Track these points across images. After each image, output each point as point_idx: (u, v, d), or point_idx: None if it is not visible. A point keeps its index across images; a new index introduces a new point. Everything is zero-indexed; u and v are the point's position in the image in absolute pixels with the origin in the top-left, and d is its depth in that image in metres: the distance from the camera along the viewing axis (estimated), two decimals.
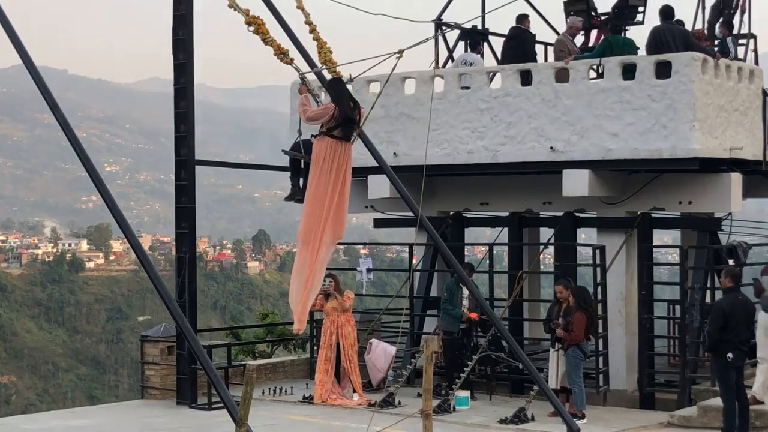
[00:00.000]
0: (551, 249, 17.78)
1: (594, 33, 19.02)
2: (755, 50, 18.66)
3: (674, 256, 19.10)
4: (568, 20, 18.00)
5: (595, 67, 16.07)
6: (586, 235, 19.83)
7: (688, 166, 15.26)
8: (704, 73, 15.18)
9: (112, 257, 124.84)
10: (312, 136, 11.68)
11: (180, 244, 15.79)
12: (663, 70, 15.22)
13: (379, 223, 19.90)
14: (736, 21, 18.13)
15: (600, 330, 15.52)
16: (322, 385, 15.62)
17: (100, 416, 15.54)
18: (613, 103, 15.54)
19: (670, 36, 15.61)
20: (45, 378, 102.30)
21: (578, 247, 17.98)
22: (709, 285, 15.80)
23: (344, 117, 11.26)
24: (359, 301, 18.80)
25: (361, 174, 16.46)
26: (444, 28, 19.07)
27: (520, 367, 14.34)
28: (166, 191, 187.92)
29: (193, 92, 15.71)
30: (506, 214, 18.40)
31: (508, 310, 17.19)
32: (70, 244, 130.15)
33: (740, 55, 17.87)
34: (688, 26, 17.73)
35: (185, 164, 15.65)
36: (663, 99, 15.12)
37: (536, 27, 18.68)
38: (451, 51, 19.40)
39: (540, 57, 18.97)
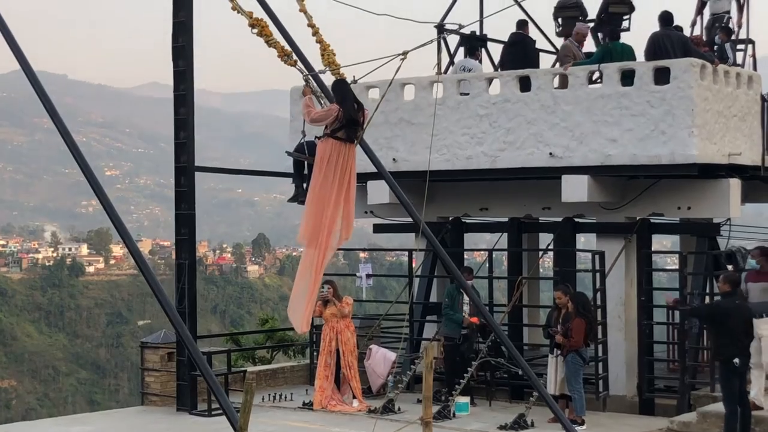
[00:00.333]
0: (551, 254, 17.80)
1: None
2: (753, 55, 18.72)
3: (674, 259, 19.10)
4: (576, 26, 18.03)
5: (588, 73, 16.11)
6: (585, 239, 19.82)
7: (686, 172, 15.28)
8: (703, 78, 15.20)
9: (112, 261, 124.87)
10: (316, 137, 11.67)
11: (180, 251, 15.80)
12: (662, 76, 15.25)
13: (378, 229, 19.94)
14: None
15: (599, 335, 15.52)
16: (322, 392, 15.62)
17: (100, 422, 15.54)
18: (612, 109, 15.56)
19: (669, 42, 15.64)
20: (45, 382, 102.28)
21: (578, 253, 18.00)
22: (708, 290, 15.81)
23: (348, 118, 11.26)
24: (359, 306, 18.81)
25: (360, 179, 16.40)
26: (446, 32, 19.09)
27: (520, 373, 14.34)
28: (165, 195, 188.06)
29: (193, 99, 15.72)
30: (505, 219, 18.42)
31: (507, 315, 17.20)
32: (70, 249, 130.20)
33: (739, 61, 17.92)
34: (686, 31, 17.79)
35: (185, 171, 15.66)
36: (662, 105, 15.15)
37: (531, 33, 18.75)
38: (452, 56, 19.44)
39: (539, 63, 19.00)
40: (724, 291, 12.84)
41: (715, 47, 17.53)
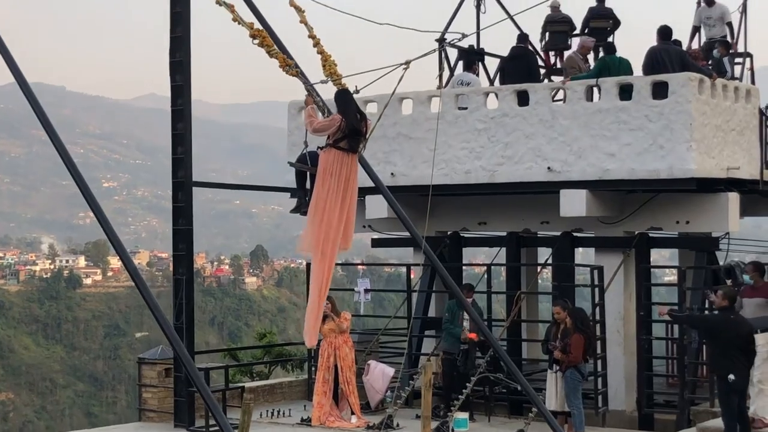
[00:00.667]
0: (549, 267, 17.77)
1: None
2: (752, 69, 18.71)
3: (672, 272, 19.06)
4: (580, 39, 18.05)
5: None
6: (583, 252, 19.79)
7: (685, 187, 15.27)
8: (701, 93, 15.20)
9: (109, 273, 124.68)
10: (318, 148, 11.62)
11: (177, 266, 15.73)
12: (660, 91, 15.25)
13: (376, 243, 19.89)
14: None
15: (598, 350, 15.48)
16: (321, 408, 15.56)
17: None
18: (610, 123, 15.55)
19: (667, 56, 15.63)
20: (43, 395, 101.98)
21: (576, 267, 17.95)
22: (707, 305, 15.76)
23: (351, 128, 11.19)
24: (357, 320, 18.74)
25: (359, 194, 16.38)
26: (446, 46, 19.08)
27: (519, 388, 14.29)
28: (163, 207, 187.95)
29: (191, 114, 15.66)
30: (504, 233, 18.38)
31: (506, 330, 17.15)
32: (67, 261, 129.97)
33: (737, 74, 17.93)
34: (684, 44, 17.81)
35: (182, 186, 15.60)
36: (660, 119, 15.14)
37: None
38: (452, 70, 19.43)
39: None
40: (721, 306, 12.80)
41: (710, 61, 17.53)
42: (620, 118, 15.48)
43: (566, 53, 18.98)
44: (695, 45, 18.57)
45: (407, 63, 11.88)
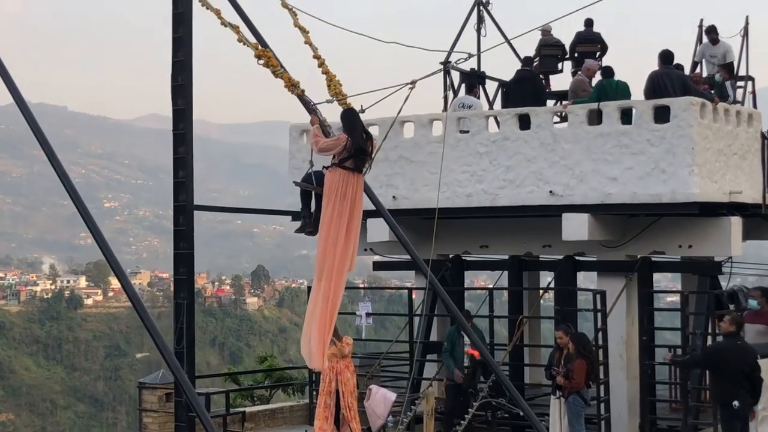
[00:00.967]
0: (551, 291, 17.71)
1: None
2: (753, 92, 18.72)
3: (675, 294, 19.02)
4: (585, 62, 18.08)
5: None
6: (585, 275, 19.71)
7: (687, 211, 15.22)
8: (703, 117, 15.18)
9: (110, 293, 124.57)
10: (324, 167, 11.58)
11: (178, 290, 15.66)
12: (661, 115, 15.23)
13: (378, 266, 19.83)
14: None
15: (601, 375, 15.40)
16: None
17: None
18: (612, 147, 15.53)
19: (668, 80, 15.62)
20: (43, 416, 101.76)
21: (579, 291, 17.89)
22: (710, 330, 15.69)
23: (357, 148, 11.13)
24: (358, 344, 18.67)
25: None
26: (451, 69, 19.11)
27: (521, 413, 14.20)
28: (164, 227, 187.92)
29: (192, 138, 15.63)
30: (506, 257, 18.33)
31: (508, 355, 17.07)
32: (68, 281, 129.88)
33: (738, 97, 17.92)
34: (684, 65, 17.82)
35: (184, 210, 15.55)
36: (662, 143, 15.12)
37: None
38: (456, 93, 19.46)
39: None
40: (728, 331, 12.73)
41: (710, 81, 17.54)
42: (622, 142, 15.46)
43: (573, 78, 18.96)
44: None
45: (413, 83, 11.83)
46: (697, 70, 18.39)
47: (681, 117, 14.99)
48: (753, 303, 14.22)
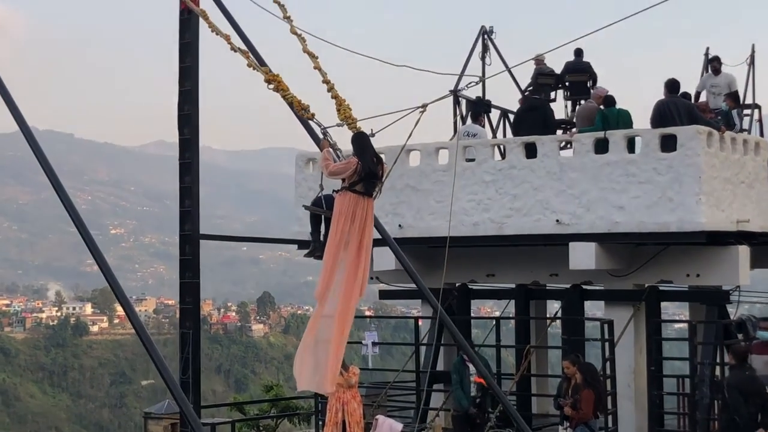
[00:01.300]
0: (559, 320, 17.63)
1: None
2: (760, 120, 18.71)
3: (682, 318, 18.93)
4: (594, 89, 18.12)
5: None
6: (593, 305, 19.64)
7: (695, 240, 15.15)
8: (710, 146, 15.15)
9: (116, 320, 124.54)
10: (333, 191, 11.52)
11: (184, 320, 15.63)
12: (668, 143, 15.20)
13: (384, 295, 19.76)
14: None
15: (609, 406, 15.28)
16: None
17: None
18: (619, 176, 15.49)
19: (675, 109, 15.60)
20: None
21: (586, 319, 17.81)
22: (718, 360, 15.59)
23: (367, 172, 11.06)
24: (364, 373, 18.58)
25: None
26: (460, 94, 19.14)
27: None
28: (170, 253, 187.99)
29: (198, 167, 15.67)
30: (513, 285, 18.26)
31: (515, 385, 16.97)
32: (74, 308, 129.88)
33: (745, 125, 17.90)
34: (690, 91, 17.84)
35: (190, 239, 15.55)
36: (669, 172, 15.08)
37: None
38: (464, 120, 19.48)
39: None
40: (732, 365, 12.61)
41: (716, 111, 17.52)
42: (629, 170, 15.42)
43: (580, 105, 18.98)
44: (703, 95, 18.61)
45: (424, 107, 11.72)
46: (702, 99, 18.37)
47: (688, 146, 14.95)
48: (764, 334, 14.10)
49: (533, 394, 18.03)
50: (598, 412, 14.33)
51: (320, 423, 17.02)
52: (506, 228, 16.49)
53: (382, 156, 16.88)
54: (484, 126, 18.90)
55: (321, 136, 12.00)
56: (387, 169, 11.58)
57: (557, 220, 15.96)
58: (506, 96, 19.27)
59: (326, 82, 12.57)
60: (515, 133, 18.14)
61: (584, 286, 17.11)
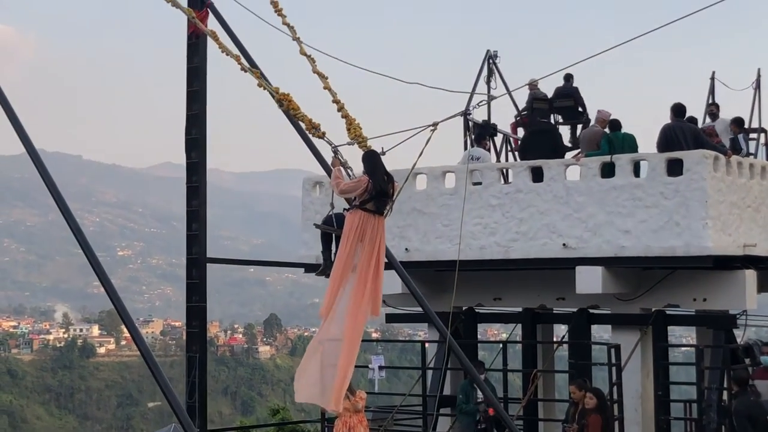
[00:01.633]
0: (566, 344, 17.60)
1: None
2: (766, 144, 18.72)
3: (689, 340, 18.87)
4: (598, 113, 18.16)
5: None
6: (599, 329, 19.63)
7: (701, 264, 15.14)
8: (716, 170, 15.17)
9: (123, 342, 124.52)
10: (344, 209, 11.51)
11: (190, 344, 15.64)
12: (675, 168, 15.21)
13: (391, 318, 19.76)
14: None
15: (617, 430, 15.22)
16: None
17: None
18: (625, 200, 15.51)
19: (681, 133, 15.62)
20: None
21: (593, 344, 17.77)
22: (725, 385, 15.54)
23: (378, 190, 11.04)
24: (371, 397, 18.54)
25: None
26: (469, 117, 19.19)
27: None
28: (177, 275, 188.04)
29: (206, 190, 15.71)
30: (519, 309, 18.25)
31: (523, 409, 16.93)
32: (81, 330, 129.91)
33: (751, 150, 17.91)
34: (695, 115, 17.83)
35: (196, 263, 15.58)
36: (675, 196, 15.09)
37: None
38: (472, 143, 19.50)
39: None
40: (736, 392, 12.58)
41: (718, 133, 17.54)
42: (635, 195, 15.43)
43: (584, 129, 19.01)
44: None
45: (434, 125, 11.70)
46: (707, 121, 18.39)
47: (694, 170, 14.97)
48: (767, 359, 14.08)
49: (540, 418, 17.98)
50: None
51: None
52: (513, 252, 16.50)
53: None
54: (489, 150, 18.92)
55: (332, 154, 11.97)
56: (398, 188, 11.55)
57: (564, 244, 15.96)
58: (510, 120, 19.29)
59: (336, 101, 12.56)
60: (522, 157, 18.16)
61: (591, 310, 17.09)
